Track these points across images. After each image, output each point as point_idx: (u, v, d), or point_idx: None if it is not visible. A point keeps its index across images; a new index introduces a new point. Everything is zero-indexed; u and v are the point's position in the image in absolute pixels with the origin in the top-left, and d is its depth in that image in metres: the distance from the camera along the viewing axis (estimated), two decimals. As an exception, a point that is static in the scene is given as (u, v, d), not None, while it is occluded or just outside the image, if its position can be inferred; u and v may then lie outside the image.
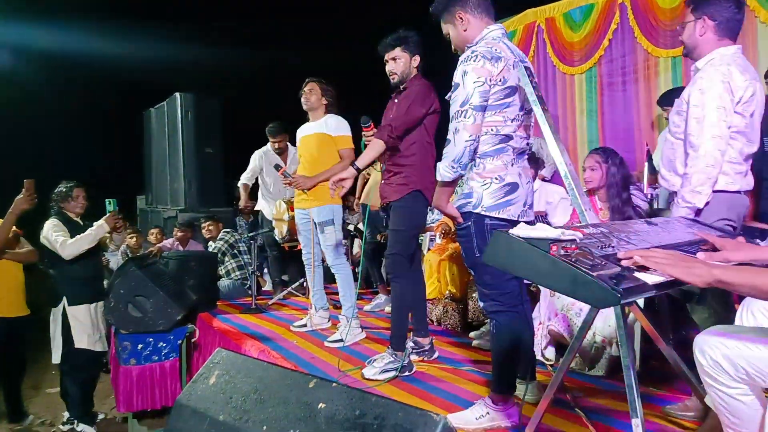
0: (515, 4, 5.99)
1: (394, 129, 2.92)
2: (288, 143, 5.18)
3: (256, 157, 5.28)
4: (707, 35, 2.25)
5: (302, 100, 3.86)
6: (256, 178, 5.36)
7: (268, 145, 5.24)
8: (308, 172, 3.81)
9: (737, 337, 1.47)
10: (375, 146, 2.95)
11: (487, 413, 2.23)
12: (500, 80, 2.09)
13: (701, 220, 2.13)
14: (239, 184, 5.36)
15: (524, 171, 2.22)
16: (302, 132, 3.96)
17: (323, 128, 3.80)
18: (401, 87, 3.06)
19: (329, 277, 4.32)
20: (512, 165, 2.16)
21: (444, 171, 2.12)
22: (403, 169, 2.97)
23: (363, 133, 3.08)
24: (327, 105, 3.86)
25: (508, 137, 2.15)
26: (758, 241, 2.12)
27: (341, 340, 3.57)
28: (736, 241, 1.68)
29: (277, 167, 4.17)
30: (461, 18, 2.25)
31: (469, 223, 2.16)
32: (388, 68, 3.06)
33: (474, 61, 2.07)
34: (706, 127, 2.14)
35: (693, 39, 2.28)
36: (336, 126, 3.80)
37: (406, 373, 2.89)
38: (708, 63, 2.24)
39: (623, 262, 1.39)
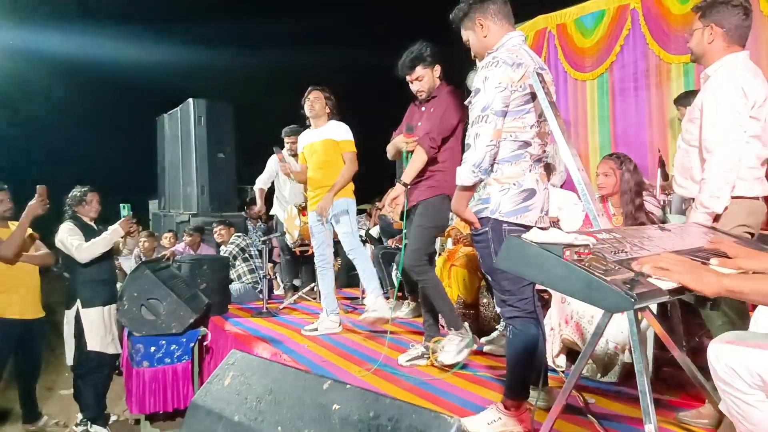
0: (526, 11, 6.00)
1: (434, 140, 2.97)
2: None
3: (272, 161, 5.33)
4: (715, 42, 2.26)
5: (307, 107, 3.98)
6: (272, 183, 5.41)
7: (285, 149, 5.30)
8: (320, 176, 3.93)
9: (752, 344, 1.46)
10: (418, 158, 2.99)
11: (499, 418, 2.23)
12: (521, 86, 2.09)
13: (719, 226, 2.12)
14: (255, 188, 5.41)
15: (541, 177, 2.24)
16: (307, 139, 4.07)
17: (329, 134, 3.94)
18: (427, 98, 3.12)
19: (340, 282, 4.35)
20: (530, 171, 2.17)
21: (464, 175, 2.13)
22: (434, 173, 3.03)
23: (405, 139, 3.10)
24: (329, 113, 4.00)
25: (526, 144, 2.16)
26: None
27: (375, 311, 3.72)
28: (750, 250, 1.67)
29: (278, 150, 4.22)
30: (481, 25, 2.25)
31: (487, 228, 2.17)
32: (414, 88, 3.11)
33: (495, 66, 2.08)
34: (721, 132, 2.14)
35: (701, 46, 2.30)
36: (341, 132, 3.95)
37: (474, 346, 2.98)
38: (719, 69, 2.24)
39: (635, 268, 1.40)
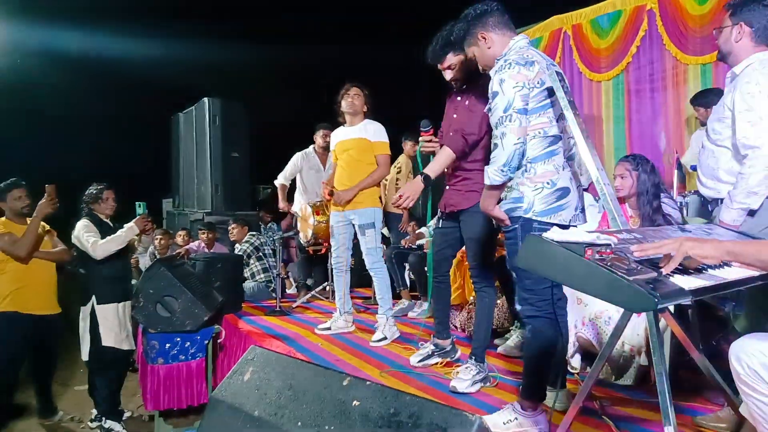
0: (542, 11, 5.98)
1: (465, 142, 2.81)
2: None
3: (298, 158, 5.30)
4: (743, 41, 2.24)
5: (346, 103, 3.85)
6: (293, 179, 5.39)
7: (311, 147, 5.30)
8: (348, 176, 3.85)
9: (775, 346, 1.45)
10: (446, 155, 2.83)
11: (516, 419, 2.22)
12: (538, 83, 2.11)
13: (750, 227, 2.10)
14: (276, 184, 5.34)
15: (574, 176, 2.22)
16: (340, 136, 3.97)
17: (363, 133, 3.84)
18: (464, 87, 2.93)
19: (352, 282, 4.34)
20: (563, 169, 2.17)
21: (493, 175, 2.15)
22: (470, 174, 2.84)
23: (421, 138, 3.00)
24: (366, 111, 3.90)
25: (557, 138, 2.16)
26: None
27: (385, 338, 3.68)
28: None
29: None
30: (483, 38, 2.30)
31: (517, 225, 2.17)
32: (447, 77, 2.93)
33: (509, 68, 2.11)
34: (763, 129, 2.09)
35: (728, 44, 2.27)
36: (375, 132, 3.86)
37: (488, 384, 2.83)
38: (747, 67, 2.21)
39: (636, 254, 1.41)
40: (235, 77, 10.63)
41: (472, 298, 4.02)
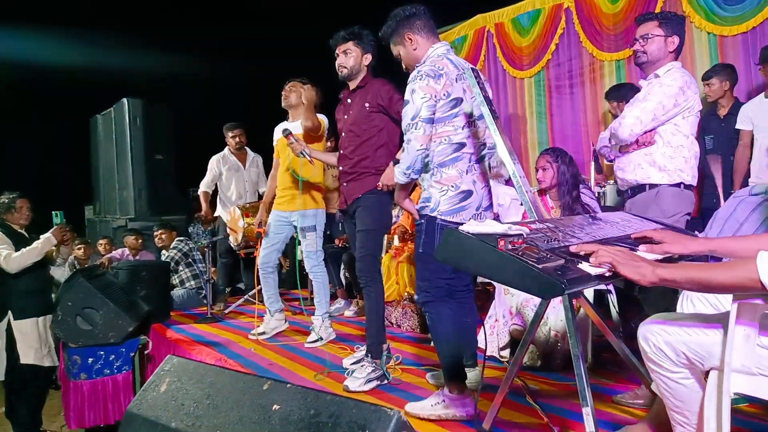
0: (466, 10, 6.10)
1: (361, 141, 2.97)
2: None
3: (214, 162, 5.21)
4: (674, 52, 2.52)
5: (283, 98, 3.81)
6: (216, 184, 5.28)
7: (226, 149, 5.20)
8: (290, 174, 3.74)
9: (677, 324, 1.53)
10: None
11: (443, 401, 2.31)
12: (444, 94, 2.29)
13: (668, 212, 2.39)
14: (199, 192, 5.26)
15: (480, 177, 2.40)
16: (281, 130, 3.84)
17: (301, 129, 3.69)
18: (353, 86, 3.05)
19: (288, 284, 4.29)
20: (467, 173, 2.34)
21: (399, 176, 2.35)
22: (360, 174, 2.97)
23: (288, 143, 3.26)
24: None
25: (461, 145, 2.33)
26: (696, 233, 2.23)
27: (320, 339, 3.64)
28: (674, 234, 1.75)
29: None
30: (410, 39, 2.44)
31: (423, 221, 2.36)
32: (337, 61, 3.04)
33: (420, 79, 2.27)
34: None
35: (661, 53, 2.52)
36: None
37: (385, 382, 2.80)
38: (669, 71, 2.49)
39: (572, 249, 1.46)
40: (157, 79, 10.22)
41: (407, 293, 4.07)
